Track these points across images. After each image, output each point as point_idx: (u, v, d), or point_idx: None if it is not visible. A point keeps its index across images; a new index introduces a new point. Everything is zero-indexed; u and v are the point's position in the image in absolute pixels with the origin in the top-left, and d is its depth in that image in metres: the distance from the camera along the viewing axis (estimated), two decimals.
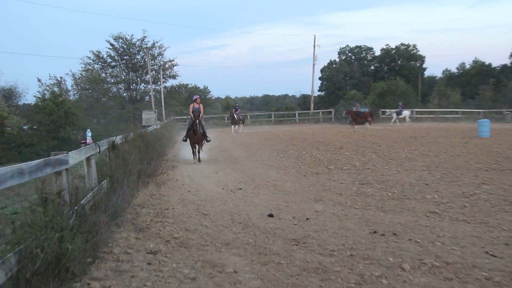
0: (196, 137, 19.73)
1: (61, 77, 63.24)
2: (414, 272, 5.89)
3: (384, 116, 53.63)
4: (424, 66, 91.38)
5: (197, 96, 20.94)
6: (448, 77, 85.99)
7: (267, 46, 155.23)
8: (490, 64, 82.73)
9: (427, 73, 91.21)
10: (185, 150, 21.79)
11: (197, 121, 19.62)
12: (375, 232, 8.01)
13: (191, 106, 20.17)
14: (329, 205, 10.33)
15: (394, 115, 50.22)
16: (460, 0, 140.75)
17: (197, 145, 19.87)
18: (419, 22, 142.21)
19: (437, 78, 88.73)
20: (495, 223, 8.67)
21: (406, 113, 50.08)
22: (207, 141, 20.45)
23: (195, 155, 19.97)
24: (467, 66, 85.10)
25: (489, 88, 66.82)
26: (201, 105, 20.32)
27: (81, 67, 66.59)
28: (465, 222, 8.72)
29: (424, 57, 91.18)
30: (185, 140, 20.49)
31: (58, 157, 6.70)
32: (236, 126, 42.56)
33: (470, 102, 64.76)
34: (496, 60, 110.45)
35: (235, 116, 42.73)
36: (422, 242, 7.33)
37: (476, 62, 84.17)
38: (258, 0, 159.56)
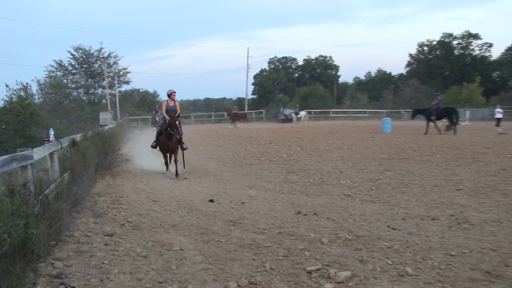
0: (170, 143, 13.35)
1: (27, 83, 62.00)
2: (331, 244, 6.02)
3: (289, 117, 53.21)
4: (338, 74, 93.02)
5: (173, 90, 14.14)
6: (358, 83, 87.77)
7: (207, 56, 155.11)
8: (390, 73, 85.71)
9: (341, 80, 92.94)
10: (146, 157, 16.29)
11: (176, 123, 13.23)
12: (299, 212, 8.11)
13: (164, 103, 13.89)
14: (261, 191, 10.40)
15: (294, 116, 50.42)
16: (365, 21, 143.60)
17: (171, 155, 13.65)
18: (334, 38, 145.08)
19: (349, 84, 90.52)
20: (395, 202, 8.94)
21: (302, 113, 50.09)
22: (183, 149, 13.97)
23: (169, 166, 13.67)
24: (373, 74, 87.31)
25: (389, 92, 68.61)
26: (177, 102, 13.99)
27: (45, 74, 64.97)
28: (372, 202, 8.96)
29: (338, 66, 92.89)
30: (155, 147, 14.19)
31: (24, 153, 6.54)
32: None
33: (375, 104, 66.35)
34: (395, 69, 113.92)
35: (156, 118, 37.52)
36: (337, 219, 7.48)
37: (379, 71, 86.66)
38: (198, 17, 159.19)
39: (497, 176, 11.66)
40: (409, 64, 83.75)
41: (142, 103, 65.05)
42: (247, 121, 44.41)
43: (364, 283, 4.63)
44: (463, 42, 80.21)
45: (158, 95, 76.00)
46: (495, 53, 79.50)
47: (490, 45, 79.05)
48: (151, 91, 72.90)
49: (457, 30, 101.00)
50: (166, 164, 13.77)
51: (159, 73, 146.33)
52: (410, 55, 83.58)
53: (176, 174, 13.21)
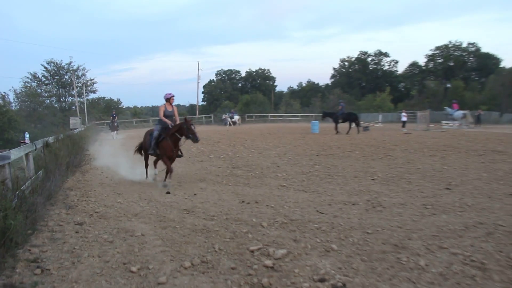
0: (175, 150, 10.59)
1: (4, 92, 59.75)
2: (270, 227, 6.08)
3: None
4: (275, 84, 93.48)
5: (172, 94, 11.01)
6: (291, 91, 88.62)
7: (164, 69, 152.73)
8: (318, 83, 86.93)
9: (277, 89, 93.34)
10: (112, 157, 15.05)
11: (192, 127, 10.30)
12: (243, 201, 8.13)
13: (162, 108, 10.89)
14: (210, 184, 10.36)
15: (228, 119, 50.35)
16: (297, 40, 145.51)
17: (171, 162, 10.71)
18: (272, 54, 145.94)
19: (284, 92, 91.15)
20: (323, 191, 9.11)
21: (236, 117, 50.12)
22: (180, 156, 11.11)
23: (151, 169, 11.40)
24: (304, 84, 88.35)
25: (317, 99, 69.78)
26: (175, 107, 11.17)
27: (21, 85, 63.31)
28: (304, 191, 9.08)
29: (275, 77, 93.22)
30: (152, 153, 10.94)
31: (2, 154, 6.36)
32: (115, 132, 33.61)
33: (306, 109, 67.26)
34: (322, 80, 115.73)
35: (115, 123, 34.93)
36: (275, 206, 7.55)
37: (309, 81, 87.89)
38: (155, 35, 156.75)
39: (403, 167, 12.08)
40: (333, 76, 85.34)
41: (107, 109, 63.58)
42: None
43: (297, 258, 4.72)
44: (376, 59, 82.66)
45: (121, 102, 75.01)
46: (401, 68, 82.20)
47: (397, 62, 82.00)
48: (115, 99, 71.99)
49: (371, 49, 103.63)
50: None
51: (122, 83, 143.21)
52: (334, 68, 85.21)
53: (165, 182, 10.45)
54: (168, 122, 10.81)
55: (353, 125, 27.98)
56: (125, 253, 5.07)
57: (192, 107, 79.20)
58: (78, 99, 60.99)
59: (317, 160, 14.20)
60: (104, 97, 71.28)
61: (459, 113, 34.24)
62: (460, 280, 4.04)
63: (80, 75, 65.41)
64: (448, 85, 66.64)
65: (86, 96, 63.87)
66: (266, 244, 5.22)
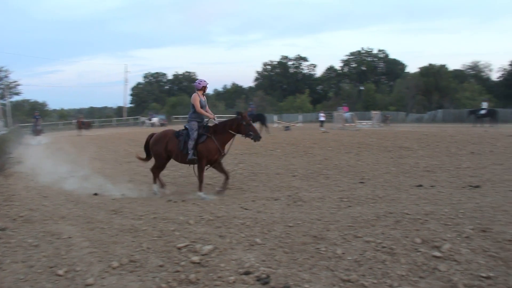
0: (222, 152, 8.67)
1: None
2: (196, 224, 6.03)
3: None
4: None
5: (207, 82, 9.11)
6: (217, 93, 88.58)
7: (92, 71, 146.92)
8: (242, 86, 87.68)
9: None
10: (39, 160, 14.31)
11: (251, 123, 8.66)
12: (170, 200, 8.04)
13: (197, 97, 8.67)
14: (138, 184, 10.11)
15: (147, 121, 49.40)
16: (222, 44, 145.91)
17: (215, 165, 8.89)
18: (198, 57, 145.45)
19: (209, 95, 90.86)
20: (247, 188, 9.20)
21: (155, 119, 49.59)
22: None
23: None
24: (228, 87, 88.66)
25: (241, 101, 70.31)
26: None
27: None
28: (228, 189, 9.07)
29: None
30: (192, 160, 8.47)
31: None
32: (39, 136, 30.00)
33: (231, 110, 67.41)
34: (246, 83, 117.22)
35: (38, 126, 31.52)
36: (201, 204, 7.50)
37: (233, 84, 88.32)
38: (82, 38, 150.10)
39: (321, 164, 12.48)
40: (256, 79, 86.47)
41: (32, 112, 60.19)
42: (89, 129, 39.66)
43: (223, 253, 4.73)
44: (296, 63, 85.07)
45: (47, 105, 71.30)
46: (319, 72, 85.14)
47: (315, 66, 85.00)
48: (40, 101, 68.24)
49: (292, 53, 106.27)
50: (201, 181, 8.56)
51: (48, 85, 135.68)
52: (257, 72, 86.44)
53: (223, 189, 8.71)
54: (211, 115, 8.82)
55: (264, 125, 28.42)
56: (51, 256, 4.81)
57: (120, 109, 76.94)
58: (1, 101, 57.08)
59: (241, 158, 14.30)
60: (28, 99, 67.32)
61: (348, 114, 36.96)
62: (373, 265, 4.24)
63: (2, 76, 61.32)
64: (361, 88, 69.86)
65: (9, 98, 59.86)
66: (193, 241, 5.17)
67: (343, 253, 4.58)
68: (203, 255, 4.69)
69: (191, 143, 8.44)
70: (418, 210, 6.44)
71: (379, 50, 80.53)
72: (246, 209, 7.04)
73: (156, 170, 9.16)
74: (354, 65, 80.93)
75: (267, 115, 32.83)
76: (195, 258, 4.56)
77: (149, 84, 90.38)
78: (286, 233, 5.42)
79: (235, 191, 8.92)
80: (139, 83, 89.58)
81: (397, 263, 4.28)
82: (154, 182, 9.18)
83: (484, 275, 3.91)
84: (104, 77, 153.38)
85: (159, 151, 8.91)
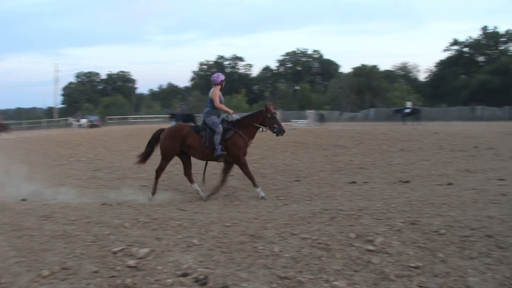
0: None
1: None
2: (132, 227, 5.87)
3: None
4: (136, 86, 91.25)
5: (224, 77, 8.90)
6: (152, 94, 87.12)
7: (19, 70, 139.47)
8: (178, 86, 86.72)
9: (138, 91, 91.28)
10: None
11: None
12: (104, 203, 7.76)
13: (218, 92, 8.48)
14: (71, 187, 9.67)
15: (75, 123, 47.88)
16: (157, 43, 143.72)
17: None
18: (132, 56, 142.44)
19: (145, 95, 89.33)
20: (184, 189, 9.13)
21: (83, 121, 48.19)
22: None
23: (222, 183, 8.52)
24: (164, 87, 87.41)
25: (177, 101, 69.51)
26: None
27: None
28: (165, 191, 8.99)
29: (135, 80, 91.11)
30: (221, 156, 8.16)
31: None
32: None
33: (167, 110, 66.40)
34: (182, 83, 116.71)
35: None
36: (137, 207, 7.34)
37: (169, 84, 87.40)
38: (9, 34, 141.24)
39: (258, 163, 12.60)
40: (192, 78, 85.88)
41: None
42: (7, 131, 36.00)
43: (160, 256, 4.64)
44: (232, 63, 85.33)
45: None
46: (255, 72, 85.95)
47: (251, 66, 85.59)
48: None
49: (228, 53, 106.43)
50: (222, 181, 8.43)
51: None
52: (193, 71, 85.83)
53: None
54: (230, 111, 8.53)
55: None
56: None
57: (50, 110, 73.57)
58: None
59: (177, 160, 14.06)
60: None
61: None
62: (309, 261, 4.33)
63: None
64: (297, 88, 71.28)
65: None
66: (129, 244, 5.02)
67: (280, 251, 4.64)
68: (139, 258, 4.56)
69: (217, 138, 8.04)
70: (352, 206, 6.67)
71: (314, 51, 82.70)
72: (183, 210, 6.97)
73: (161, 171, 8.57)
74: (289, 65, 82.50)
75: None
76: (131, 262, 4.43)
77: (82, 84, 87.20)
78: (223, 233, 5.41)
79: (171, 192, 8.81)
80: (70, 83, 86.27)
81: (332, 258, 4.39)
82: (156, 183, 8.54)
83: (413, 265, 4.11)
84: (33, 76, 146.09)
85: (174, 147, 8.33)
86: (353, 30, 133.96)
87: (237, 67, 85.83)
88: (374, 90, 62.24)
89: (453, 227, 5.23)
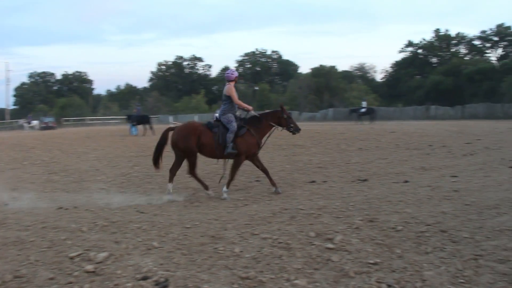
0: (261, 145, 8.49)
1: None
2: (90, 231, 5.73)
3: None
4: (93, 87, 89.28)
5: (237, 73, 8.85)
6: (110, 94, 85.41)
7: None
8: (136, 86, 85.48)
9: (95, 92, 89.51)
10: None
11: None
12: (61, 208, 7.47)
13: (233, 87, 8.33)
14: (24, 192, 9.29)
15: (26, 125, 46.16)
16: (115, 43, 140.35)
17: (254, 161, 8.59)
18: (89, 56, 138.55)
19: (102, 95, 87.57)
20: (143, 191, 8.98)
21: (35, 123, 46.79)
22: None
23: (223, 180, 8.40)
24: (122, 87, 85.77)
25: (136, 102, 68.25)
26: None
27: None
28: (124, 193, 8.81)
29: (92, 80, 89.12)
30: (231, 155, 8.14)
31: None
32: None
33: (125, 111, 65.16)
34: (140, 83, 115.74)
35: None
36: (95, 210, 7.15)
37: (127, 84, 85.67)
38: None
39: (218, 164, 12.51)
40: (151, 79, 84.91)
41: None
42: None
43: (119, 259, 4.55)
44: (191, 63, 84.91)
45: None
46: (214, 72, 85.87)
47: (210, 66, 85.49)
48: None
49: (187, 54, 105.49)
50: (233, 175, 8.33)
51: None
52: (152, 72, 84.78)
53: (275, 186, 8.37)
54: (250, 107, 8.46)
55: (148, 126, 28.56)
56: None
57: (1, 111, 70.75)
58: None
59: (137, 161, 13.92)
60: None
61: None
62: (270, 261, 4.37)
63: None
64: (256, 88, 71.61)
65: None
66: (87, 249, 4.90)
67: (241, 251, 4.66)
68: (97, 263, 4.46)
69: (230, 136, 7.97)
70: (312, 205, 6.78)
71: (273, 51, 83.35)
72: (142, 212, 6.86)
73: (194, 169, 8.36)
74: (248, 66, 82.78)
75: (163, 116, 32.61)
76: (89, 267, 4.33)
77: (35, 84, 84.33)
78: (183, 235, 5.38)
79: (130, 194, 8.65)
80: (23, 83, 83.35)
81: (293, 257, 4.45)
82: (199, 180, 8.43)
83: (372, 261, 4.23)
84: None
85: (190, 147, 8.12)
86: (312, 31, 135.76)
87: (196, 67, 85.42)
88: (332, 90, 63.39)
89: (410, 223, 5.42)
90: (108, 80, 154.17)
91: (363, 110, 36.39)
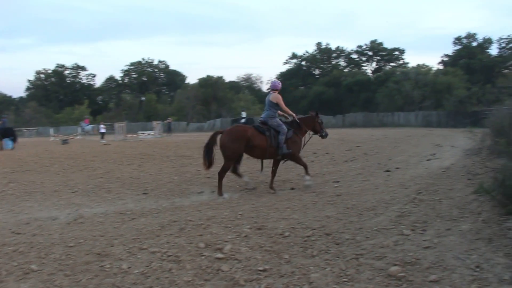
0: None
1: None
2: None
3: None
4: None
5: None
6: None
7: None
8: (11, 96, 78.52)
9: None
10: None
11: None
12: None
13: (280, 96, 9.10)
14: None
15: None
16: None
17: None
18: None
19: None
20: (19, 210, 8.17)
21: None
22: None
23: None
24: None
25: (11, 113, 62.41)
26: None
27: None
28: None
29: None
30: (286, 155, 9.08)
31: None
32: None
33: None
34: (16, 93, 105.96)
35: None
36: None
37: (0, 94, 77.97)
38: None
39: (103, 177, 11.99)
40: (28, 88, 78.36)
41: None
42: None
43: None
44: (73, 72, 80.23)
45: None
46: (98, 82, 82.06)
47: (94, 75, 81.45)
48: None
49: (68, 62, 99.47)
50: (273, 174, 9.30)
51: None
52: (29, 81, 78.35)
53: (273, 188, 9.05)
54: (293, 114, 9.33)
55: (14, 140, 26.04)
56: None
57: None
58: None
59: (12, 177, 12.68)
60: None
61: (90, 127, 41.64)
62: (160, 275, 4.28)
63: None
64: (143, 98, 69.99)
65: None
66: None
67: (129, 267, 4.49)
68: None
69: (282, 138, 8.77)
70: (201, 216, 6.78)
71: (160, 61, 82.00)
72: (19, 233, 6.24)
73: (225, 173, 8.90)
74: (135, 76, 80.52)
75: (42, 128, 30.16)
76: None
77: None
78: (66, 255, 5.03)
79: (4, 214, 7.83)
80: None
81: (183, 269, 4.40)
82: (220, 187, 8.80)
83: (261, 268, 4.34)
84: None
85: (239, 148, 8.76)
86: (199, 41, 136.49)
87: (79, 76, 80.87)
88: (220, 100, 64.25)
89: (296, 229, 5.68)
90: None
91: (242, 120, 37.68)
